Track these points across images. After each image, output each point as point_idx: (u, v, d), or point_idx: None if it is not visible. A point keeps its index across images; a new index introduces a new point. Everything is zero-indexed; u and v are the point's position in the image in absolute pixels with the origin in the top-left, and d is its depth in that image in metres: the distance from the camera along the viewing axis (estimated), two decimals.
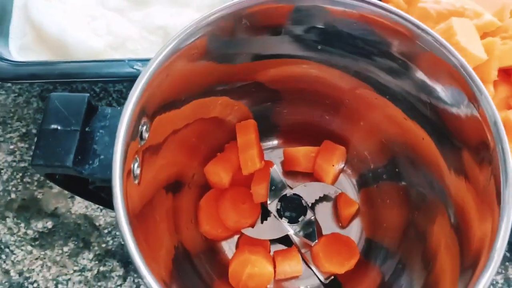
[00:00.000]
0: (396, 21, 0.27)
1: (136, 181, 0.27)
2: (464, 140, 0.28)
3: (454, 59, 0.26)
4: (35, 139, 0.46)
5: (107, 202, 0.34)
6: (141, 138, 0.28)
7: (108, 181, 0.25)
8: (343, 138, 0.41)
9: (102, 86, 0.48)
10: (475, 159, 0.28)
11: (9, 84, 0.50)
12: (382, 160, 0.39)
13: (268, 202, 0.39)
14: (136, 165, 0.27)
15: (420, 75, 0.30)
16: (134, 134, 0.26)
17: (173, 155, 0.34)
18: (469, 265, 0.26)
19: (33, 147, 0.47)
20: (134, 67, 0.40)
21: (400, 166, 0.38)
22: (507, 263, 0.44)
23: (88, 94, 0.26)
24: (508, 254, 0.45)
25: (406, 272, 0.34)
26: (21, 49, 0.45)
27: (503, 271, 0.44)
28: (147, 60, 0.40)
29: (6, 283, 0.43)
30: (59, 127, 0.25)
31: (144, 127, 0.28)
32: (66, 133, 0.25)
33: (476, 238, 0.26)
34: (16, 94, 0.49)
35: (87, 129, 0.26)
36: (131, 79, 0.40)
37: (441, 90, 0.28)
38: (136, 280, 0.43)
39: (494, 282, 0.44)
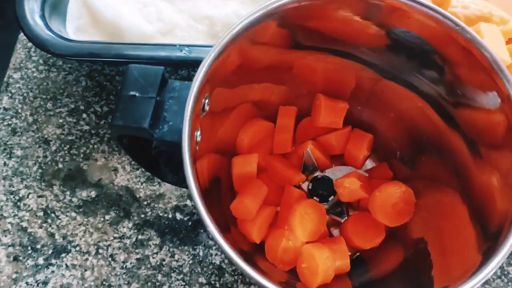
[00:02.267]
0: (437, 18, 0.30)
1: (197, 147, 0.31)
2: (489, 135, 0.31)
3: (488, 55, 0.29)
4: (83, 115, 0.50)
5: (158, 170, 0.37)
6: (203, 109, 0.31)
7: (173, 145, 0.29)
8: (372, 127, 0.44)
9: (153, 62, 0.52)
10: (498, 148, 0.31)
11: (60, 63, 0.53)
12: (409, 149, 0.42)
13: (301, 183, 0.42)
14: (198, 133, 0.31)
15: (453, 73, 0.33)
16: (198, 106, 0.30)
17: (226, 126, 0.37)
18: (490, 239, 0.29)
19: (80, 122, 0.51)
20: (183, 51, 0.44)
21: (426, 159, 0.41)
22: None
23: (163, 67, 0.29)
24: None
25: (427, 251, 0.37)
26: (77, 30, 0.48)
27: None
28: (196, 46, 0.44)
29: (51, 245, 0.46)
30: (137, 94, 0.28)
31: (207, 101, 0.31)
32: (143, 99, 0.28)
33: (497, 216, 0.30)
34: (66, 72, 0.53)
35: (158, 98, 0.30)
36: (181, 63, 0.44)
37: (474, 89, 0.31)
38: (171, 250, 0.47)
39: (506, 273, 0.47)
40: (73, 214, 0.48)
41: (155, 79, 0.29)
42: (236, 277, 0.45)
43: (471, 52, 0.30)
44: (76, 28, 0.48)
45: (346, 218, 0.41)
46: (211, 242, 0.47)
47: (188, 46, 0.44)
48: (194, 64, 0.44)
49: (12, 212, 0.47)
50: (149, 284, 0.45)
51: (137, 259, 0.46)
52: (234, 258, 0.26)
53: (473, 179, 0.34)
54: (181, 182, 0.29)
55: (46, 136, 0.50)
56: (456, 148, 0.36)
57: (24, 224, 0.47)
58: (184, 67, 0.50)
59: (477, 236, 0.32)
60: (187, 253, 0.46)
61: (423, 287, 0.33)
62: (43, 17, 0.45)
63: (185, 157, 0.27)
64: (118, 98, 0.28)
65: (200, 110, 0.30)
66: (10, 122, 0.51)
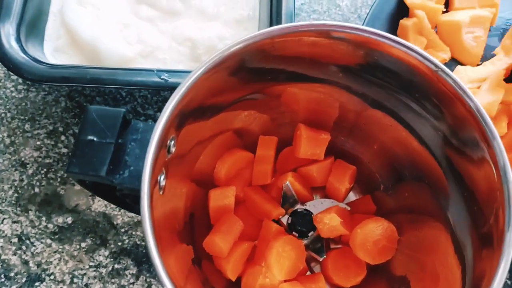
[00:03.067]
0: (420, 61, 0.29)
1: (161, 192, 0.29)
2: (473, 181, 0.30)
3: (471, 103, 0.27)
4: (62, 137, 0.49)
5: (131, 207, 0.36)
6: (168, 151, 0.29)
7: (136, 191, 0.27)
8: (356, 157, 0.42)
9: (129, 90, 0.50)
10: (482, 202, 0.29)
11: None
12: (392, 180, 0.41)
13: (280, 217, 0.41)
14: (162, 177, 0.29)
15: (438, 113, 0.31)
16: (162, 148, 0.28)
17: (197, 164, 0.36)
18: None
19: (59, 144, 0.49)
20: (162, 77, 0.42)
21: (408, 190, 0.39)
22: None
23: (124, 110, 0.28)
24: (508, 282, 0.46)
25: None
26: (55, 51, 0.47)
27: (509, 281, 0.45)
28: (174, 71, 0.42)
29: (25, 273, 0.45)
30: (95, 139, 0.27)
31: (172, 142, 0.29)
32: (101, 144, 0.27)
33: (476, 273, 0.28)
34: (46, 93, 0.51)
35: (119, 140, 0.28)
36: (158, 88, 0.43)
37: (457, 131, 0.30)
38: (148, 280, 0.45)
39: None
40: (49, 241, 0.46)
41: (115, 122, 0.27)
42: None
43: (450, 94, 0.29)
44: (54, 49, 0.47)
45: (324, 257, 0.39)
46: None
47: (167, 71, 0.43)
48: (173, 89, 0.42)
49: None
50: None
51: None
52: None
53: (454, 205, 0.32)
54: None
55: (23, 158, 0.49)
56: (439, 179, 0.34)
57: None
58: (163, 91, 0.49)
59: (462, 273, 0.31)
60: None
61: None
62: (18, 39, 0.43)
63: (143, 210, 0.25)
64: (75, 142, 0.27)
65: (164, 153, 0.29)
66: None
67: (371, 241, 0.38)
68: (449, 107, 0.30)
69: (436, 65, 0.28)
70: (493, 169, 0.27)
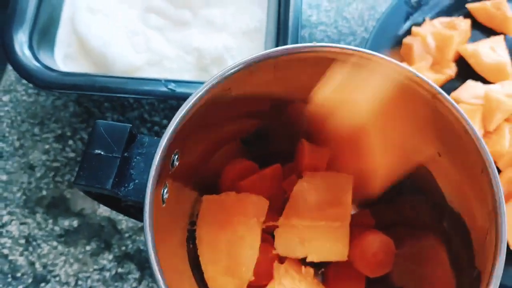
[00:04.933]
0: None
1: (164, 204, 0.30)
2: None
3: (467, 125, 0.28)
4: (70, 141, 0.50)
5: (136, 216, 0.37)
6: (172, 165, 0.30)
7: (140, 203, 0.28)
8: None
9: (136, 97, 0.51)
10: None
11: None
12: (391, 192, 0.41)
13: None
14: (165, 190, 0.30)
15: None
16: (166, 162, 0.29)
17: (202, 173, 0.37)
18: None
19: (66, 148, 0.50)
20: (169, 87, 0.43)
21: (407, 202, 0.40)
22: None
23: (130, 125, 0.29)
24: None
25: None
26: (65, 58, 0.48)
27: None
28: (181, 81, 0.43)
29: (31, 274, 0.46)
30: (102, 153, 0.28)
31: (176, 156, 0.30)
32: (108, 158, 0.28)
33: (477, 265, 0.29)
34: (56, 97, 0.52)
35: (125, 154, 0.29)
36: (165, 98, 0.44)
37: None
38: (150, 285, 0.46)
39: None
40: (55, 243, 0.47)
41: (122, 136, 0.28)
42: None
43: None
44: (64, 56, 0.48)
45: (322, 270, 0.40)
46: None
47: (174, 81, 0.43)
48: (180, 98, 0.43)
49: None
50: None
51: None
52: None
53: (452, 220, 0.33)
54: None
55: (31, 161, 0.50)
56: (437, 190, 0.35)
57: (6, 251, 0.47)
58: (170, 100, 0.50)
59: (457, 284, 0.32)
60: None
61: None
62: (30, 46, 0.45)
63: (146, 220, 0.26)
64: (83, 155, 0.28)
65: (168, 166, 0.30)
66: None
67: (369, 254, 0.39)
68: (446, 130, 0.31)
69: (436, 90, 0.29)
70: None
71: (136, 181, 0.29)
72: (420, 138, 0.33)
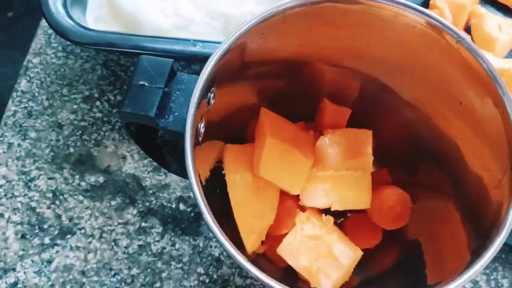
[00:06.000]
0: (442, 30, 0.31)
1: (200, 138, 0.32)
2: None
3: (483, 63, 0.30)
4: (97, 102, 0.52)
5: (163, 159, 0.38)
6: (208, 103, 0.32)
7: (177, 135, 0.30)
8: (376, 133, 0.45)
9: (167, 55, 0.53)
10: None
11: (78, 51, 0.55)
12: (409, 156, 0.43)
13: None
14: (202, 125, 0.32)
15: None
16: (204, 99, 0.31)
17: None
18: (480, 241, 0.30)
19: (94, 109, 0.52)
20: (197, 46, 0.45)
21: (426, 172, 0.42)
22: None
23: (172, 60, 0.31)
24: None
25: (421, 251, 0.38)
26: (96, 20, 0.50)
27: (510, 276, 0.47)
28: (210, 42, 0.45)
29: (58, 226, 0.48)
30: (146, 84, 0.30)
31: (212, 95, 0.32)
32: (151, 89, 0.30)
33: (488, 219, 0.31)
34: (84, 61, 0.54)
35: (166, 89, 0.31)
36: (194, 58, 0.45)
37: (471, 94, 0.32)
38: (172, 239, 0.48)
39: (500, 285, 0.47)
40: (81, 197, 0.49)
41: (164, 70, 0.30)
42: (233, 270, 0.47)
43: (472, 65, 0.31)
44: (95, 18, 0.50)
45: (342, 219, 0.42)
46: (211, 234, 0.48)
47: (202, 41, 0.45)
48: (207, 59, 0.45)
49: (23, 192, 0.49)
50: (148, 270, 0.47)
51: (139, 246, 0.48)
52: (234, 254, 0.27)
53: (468, 184, 0.35)
54: (184, 173, 0.30)
55: (60, 120, 0.52)
56: (454, 154, 0.36)
57: (33, 204, 0.49)
58: (197, 61, 0.52)
59: (468, 239, 0.33)
60: (187, 243, 0.48)
61: (417, 282, 0.34)
62: (65, 5, 0.47)
63: (187, 147, 0.28)
64: (128, 86, 0.30)
65: (205, 103, 0.31)
66: (26, 105, 0.53)
67: (386, 206, 0.40)
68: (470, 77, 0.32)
69: (458, 35, 0.31)
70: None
71: (176, 113, 0.30)
72: (443, 88, 0.35)
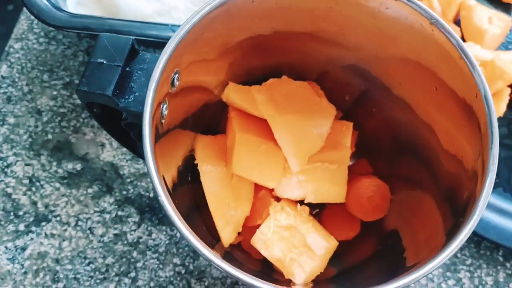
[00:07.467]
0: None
1: (163, 121, 0.31)
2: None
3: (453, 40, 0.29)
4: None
5: (133, 145, 0.37)
6: (172, 84, 0.31)
7: (139, 117, 0.29)
8: (358, 123, 0.44)
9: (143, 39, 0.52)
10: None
11: (60, 36, 0.54)
12: (389, 147, 0.42)
13: None
14: (164, 106, 0.31)
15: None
16: (166, 79, 0.30)
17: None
18: (453, 226, 0.29)
19: (74, 96, 0.52)
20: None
21: (405, 163, 0.41)
22: (498, 267, 0.46)
23: (133, 37, 0.30)
24: (501, 259, 0.47)
25: (400, 238, 0.37)
26: (77, 5, 0.49)
27: (494, 274, 0.46)
28: None
29: (33, 213, 0.47)
30: (104, 61, 0.29)
31: (176, 75, 0.31)
32: (109, 67, 0.29)
33: (460, 205, 0.29)
34: (65, 47, 0.54)
35: (127, 68, 0.30)
36: None
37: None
38: (149, 228, 0.47)
39: (484, 283, 0.46)
40: (57, 184, 0.48)
41: (124, 48, 0.29)
42: None
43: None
44: (76, 3, 0.49)
45: (317, 210, 0.41)
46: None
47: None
48: None
49: None
50: (123, 259, 0.46)
51: (115, 235, 0.47)
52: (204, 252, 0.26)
53: (445, 173, 0.33)
54: None
55: (39, 106, 0.51)
56: (431, 143, 0.35)
57: (9, 190, 0.48)
58: None
59: (444, 223, 0.32)
60: (164, 233, 0.47)
61: (397, 265, 0.33)
62: None
63: (145, 126, 0.27)
64: (86, 64, 0.29)
65: (168, 83, 0.30)
66: (6, 91, 0.52)
67: (365, 197, 0.39)
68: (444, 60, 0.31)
69: (432, 17, 0.30)
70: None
71: (137, 93, 0.29)
72: (420, 74, 0.34)
